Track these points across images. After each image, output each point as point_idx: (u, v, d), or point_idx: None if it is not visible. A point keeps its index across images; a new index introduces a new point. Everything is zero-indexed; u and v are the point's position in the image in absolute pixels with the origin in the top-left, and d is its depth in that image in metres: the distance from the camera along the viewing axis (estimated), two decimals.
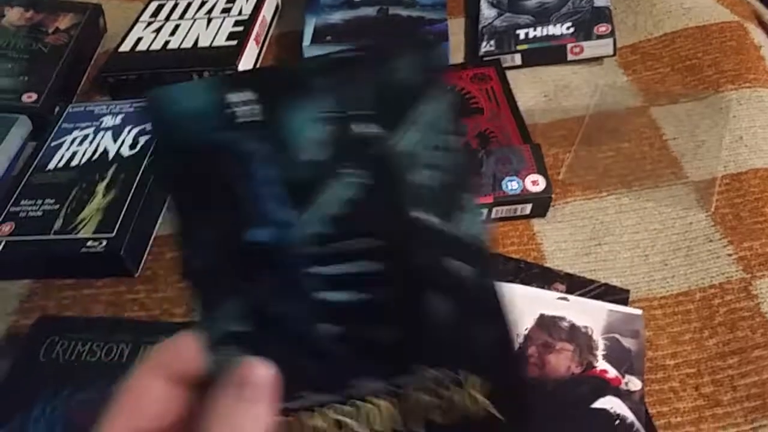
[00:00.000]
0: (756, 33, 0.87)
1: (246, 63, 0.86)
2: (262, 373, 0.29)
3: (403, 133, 0.30)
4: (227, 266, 0.29)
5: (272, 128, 0.29)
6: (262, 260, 0.29)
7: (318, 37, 0.84)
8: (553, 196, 0.68)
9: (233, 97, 0.29)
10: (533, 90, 0.84)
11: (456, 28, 0.95)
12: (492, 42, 0.88)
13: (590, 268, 0.65)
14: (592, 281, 0.63)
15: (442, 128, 0.30)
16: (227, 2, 0.95)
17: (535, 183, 0.68)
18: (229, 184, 0.29)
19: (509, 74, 0.84)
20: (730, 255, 0.64)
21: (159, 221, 0.71)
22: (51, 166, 0.73)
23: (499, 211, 0.68)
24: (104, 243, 0.64)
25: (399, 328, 0.30)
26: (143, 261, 0.68)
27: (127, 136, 0.75)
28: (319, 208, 0.29)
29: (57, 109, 0.82)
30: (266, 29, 0.95)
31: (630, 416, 0.53)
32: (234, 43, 0.86)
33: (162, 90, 0.30)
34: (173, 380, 0.30)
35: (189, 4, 0.95)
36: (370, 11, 0.89)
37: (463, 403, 0.30)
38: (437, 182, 0.30)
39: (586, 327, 0.57)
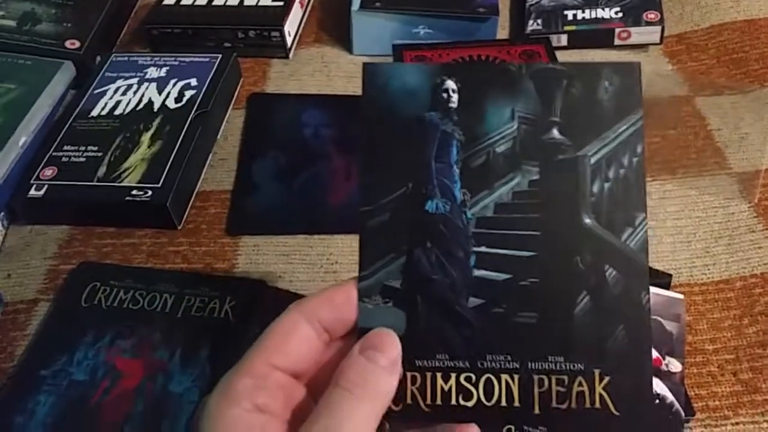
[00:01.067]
0: None
1: (291, 25, 0.85)
2: (391, 343, 0.32)
3: (595, 147, 0.33)
4: (400, 228, 0.33)
5: (472, 116, 0.33)
6: (431, 229, 0.33)
7: (367, 3, 0.83)
8: None
9: (447, 84, 0.34)
10: None
11: (502, 4, 0.94)
12: (539, 21, 0.87)
13: None
14: None
15: (630, 150, 0.34)
16: None
17: None
18: (421, 158, 0.34)
19: (556, 54, 0.84)
20: None
21: (202, 176, 0.71)
22: (94, 113, 0.72)
23: None
24: (150, 193, 0.64)
25: (542, 316, 0.32)
26: (186, 214, 0.67)
27: (172, 88, 0.75)
28: (492, 193, 0.33)
29: (98, 58, 0.81)
30: None
31: (669, 396, 0.53)
32: (280, 3, 0.86)
33: (381, 65, 0.35)
34: (320, 328, 0.33)
35: None
36: None
37: (586, 397, 0.32)
38: (614, 197, 0.34)
39: None
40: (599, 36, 0.86)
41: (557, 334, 0.33)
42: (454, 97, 0.34)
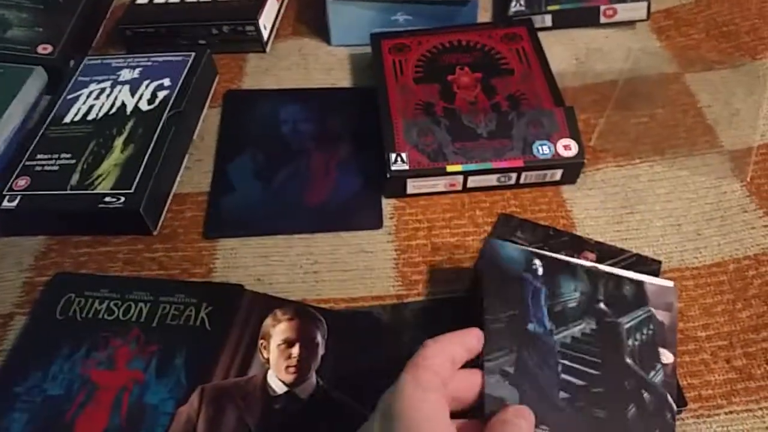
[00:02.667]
0: None
1: (267, 18, 0.83)
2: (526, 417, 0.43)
3: (627, 318, 0.52)
4: (512, 335, 0.48)
5: (550, 282, 0.52)
6: (532, 342, 0.49)
7: None
8: (585, 161, 0.65)
9: (535, 261, 0.53)
10: (564, 53, 0.81)
11: None
12: (522, 1, 0.85)
13: (621, 236, 0.63)
14: (623, 251, 0.61)
15: (645, 325, 0.52)
16: None
17: (567, 147, 0.65)
18: (523, 298, 0.51)
19: (539, 36, 0.81)
20: (765, 226, 0.62)
21: (178, 179, 0.70)
22: (67, 119, 0.71)
23: (528, 177, 0.66)
24: (123, 199, 0.62)
25: (608, 413, 0.47)
26: (162, 218, 0.66)
27: (145, 90, 0.73)
28: (568, 330, 0.50)
29: (72, 61, 0.79)
30: None
31: (661, 389, 0.52)
32: None
33: (499, 243, 0.53)
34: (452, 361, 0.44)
35: None
36: None
37: None
38: (642, 350, 0.51)
39: None
40: (584, 15, 0.83)
41: (617, 427, 0.46)
42: (540, 269, 0.53)
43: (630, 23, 0.84)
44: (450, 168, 0.65)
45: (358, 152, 0.71)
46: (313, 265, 0.62)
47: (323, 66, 0.82)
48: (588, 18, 0.83)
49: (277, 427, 0.50)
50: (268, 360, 0.53)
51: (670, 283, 0.58)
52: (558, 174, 0.66)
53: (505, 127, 0.67)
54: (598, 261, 0.60)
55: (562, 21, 0.84)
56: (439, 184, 0.66)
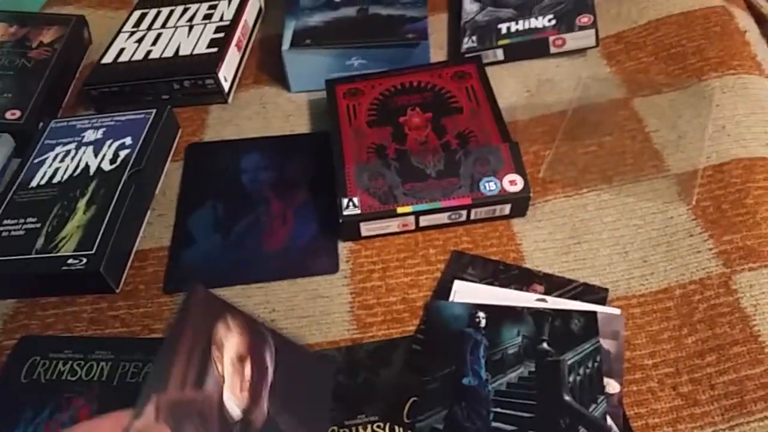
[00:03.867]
0: (742, 17, 0.86)
1: (227, 70, 0.86)
2: None
3: (570, 355, 0.56)
4: (445, 392, 0.54)
5: (492, 332, 0.57)
6: (465, 395, 0.54)
7: (297, 41, 0.84)
8: (532, 195, 0.67)
9: (479, 314, 0.59)
10: (516, 85, 0.83)
11: (439, 24, 0.95)
12: (474, 38, 0.87)
13: (569, 267, 0.64)
14: (570, 281, 0.63)
15: (592, 359, 0.56)
16: (209, 8, 0.95)
17: (513, 183, 0.67)
18: (460, 352, 0.56)
19: (492, 70, 0.84)
20: (710, 249, 0.63)
21: (140, 235, 0.72)
22: (34, 183, 0.73)
23: (478, 213, 0.68)
24: (84, 260, 0.64)
25: None
26: (124, 276, 0.68)
27: (107, 150, 0.75)
28: (505, 377, 0.55)
29: (41, 123, 0.82)
30: (249, 33, 0.95)
31: (608, 420, 0.53)
32: (215, 50, 0.86)
33: (442, 304, 0.60)
34: None
35: (171, 12, 0.95)
36: (350, 11, 0.88)
37: None
38: (583, 385, 0.54)
39: None
40: (534, 46, 0.85)
41: None
42: (483, 321, 0.58)
43: (581, 51, 0.86)
44: (400, 209, 0.67)
45: (315, 197, 0.73)
46: (271, 314, 0.64)
47: (283, 113, 0.84)
48: (538, 49, 0.85)
49: None
50: (222, 376, 0.48)
51: (617, 311, 0.60)
52: (507, 208, 0.68)
53: (453, 166, 0.69)
54: (546, 293, 0.62)
55: (514, 54, 0.86)
56: (392, 225, 0.68)
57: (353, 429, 0.55)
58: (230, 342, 0.49)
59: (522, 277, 0.64)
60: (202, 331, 0.47)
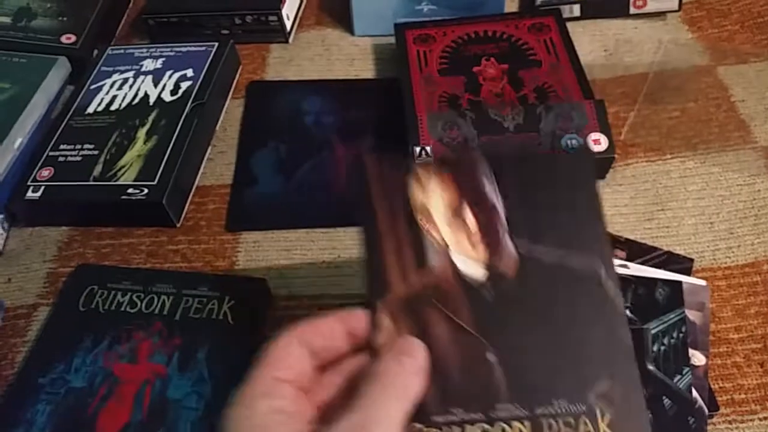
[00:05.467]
0: None
1: (290, 7, 0.82)
2: (419, 349, 0.35)
3: (654, 324, 0.52)
4: None
5: None
6: None
7: None
8: (615, 156, 0.64)
9: None
10: (592, 44, 0.80)
11: None
12: None
13: (652, 234, 0.61)
14: (654, 248, 0.60)
15: (677, 329, 0.52)
16: None
17: (597, 142, 0.64)
18: None
19: (568, 26, 0.80)
20: None
21: (201, 171, 0.69)
22: (90, 109, 0.70)
23: None
24: (145, 191, 0.62)
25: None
26: (185, 211, 0.65)
27: (168, 80, 0.72)
28: None
29: (95, 51, 0.79)
30: None
31: (693, 392, 0.51)
32: None
33: None
34: (311, 352, 0.36)
35: None
36: None
37: None
38: (671, 350, 0.51)
39: None
40: (613, 5, 0.81)
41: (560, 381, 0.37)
42: None
43: (660, 14, 0.82)
44: None
45: (383, 145, 0.70)
46: (336, 260, 0.61)
47: (346, 57, 0.81)
48: (617, 8, 0.81)
49: (499, 324, 0.37)
50: (443, 241, 0.39)
51: (702, 282, 0.57)
52: None
53: (533, 120, 0.66)
54: (628, 259, 0.59)
55: (591, 11, 0.82)
56: None
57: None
58: (431, 197, 0.40)
59: None
60: (396, 205, 0.39)
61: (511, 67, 0.72)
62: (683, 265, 0.59)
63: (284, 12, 0.80)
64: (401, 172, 0.40)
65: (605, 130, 0.64)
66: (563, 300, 0.38)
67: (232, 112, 0.75)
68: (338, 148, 0.70)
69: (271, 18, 0.80)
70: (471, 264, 0.38)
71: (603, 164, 0.64)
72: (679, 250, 0.60)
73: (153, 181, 0.63)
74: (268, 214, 0.65)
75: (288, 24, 0.82)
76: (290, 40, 0.83)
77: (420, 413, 0.34)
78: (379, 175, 0.40)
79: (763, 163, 0.65)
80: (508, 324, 0.37)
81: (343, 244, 0.62)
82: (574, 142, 0.64)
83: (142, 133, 0.67)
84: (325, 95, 0.75)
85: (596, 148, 0.63)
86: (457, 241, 0.39)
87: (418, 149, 0.64)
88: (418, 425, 0.34)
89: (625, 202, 0.64)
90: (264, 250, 0.62)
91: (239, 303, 0.56)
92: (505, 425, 0.35)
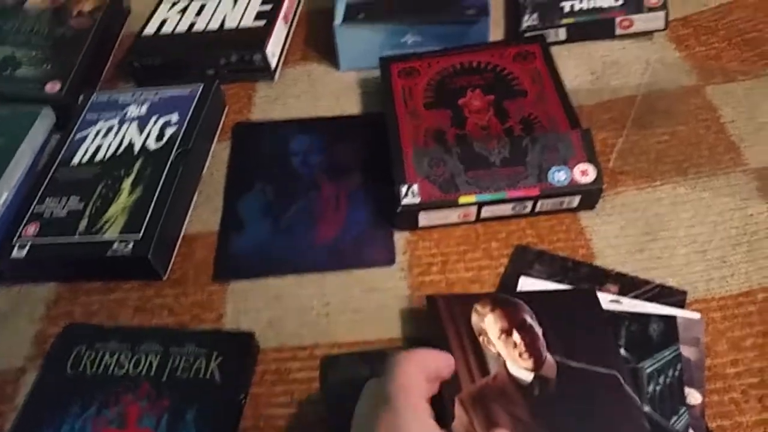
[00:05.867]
0: None
1: (274, 45, 0.82)
2: None
3: (649, 363, 0.53)
4: None
5: None
6: None
7: (350, 15, 0.80)
8: (603, 186, 0.63)
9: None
10: (579, 68, 0.79)
11: (494, 1, 0.90)
12: (535, 15, 0.82)
13: (644, 266, 0.60)
14: (646, 281, 0.59)
15: (672, 367, 0.53)
16: None
17: (585, 173, 0.63)
18: None
19: (553, 51, 0.79)
20: None
21: (187, 219, 0.69)
22: (75, 160, 0.70)
23: (544, 205, 0.64)
24: (130, 246, 0.61)
25: None
26: (171, 262, 0.65)
27: (153, 127, 0.72)
28: None
29: (81, 96, 0.79)
30: (296, 5, 0.91)
31: None
32: (262, 23, 0.82)
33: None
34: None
35: None
36: None
37: None
38: (663, 395, 0.51)
39: None
40: (599, 27, 0.80)
41: None
42: None
43: (647, 34, 0.81)
44: (463, 199, 0.63)
45: (369, 183, 0.69)
46: (325, 307, 0.61)
47: (332, 92, 0.80)
48: (603, 30, 0.81)
49: (546, 413, 0.47)
50: (499, 354, 0.50)
51: (697, 316, 0.56)
52: (576, 200, 0.64)
53: (519, 153, 0.65)
54: (621, 293, 0.58)
55: (577, 34, 0.81)
56: (452, 215, 0.64)
57: None
58: (488, 324, 0.52)
59: (593, 276, 0.60)
60: (462, 331, 0.52)
61: (496, 98, 0.71)
62: (677, 298, 0.58)
63: (269, 50, 0.80)
64: (466, 307, 0.53)
65: (592, 159, 0.64)
66: (593, 396, 0.48)
67: (218, 155, 0.75)
68: (325, 188, 0.69)
69: (255, 57, 0.80)
70: (522, 371, 0.49)
71: (591, 195, 0.64)
72: (671, 282, 0.59)
73: (138, 234, 0.62)
74: (255, 261, 0.64)
75: (273, 62, 0.82)
76: (276, 77, 0.83)
77: None
78: (447, 309, 0.53)
79: (754, 186, 0.64)
80: (555, 415, 0.47)
81: (332, 289, 0.62)
82: (561, 174, 0.63)
83: (127, 184, 0.67)
84: (311, 133, 0.75)
85: (584, 180, 0.63)
86: (509, 354, 0.50)
87: (404, 188, 0.63)
88: None
89: (616, 233, 0.63)
90: (252, 300, 0.62)
91: (227, 359, 0.55)
92: None
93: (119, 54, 0.90)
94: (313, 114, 0.78)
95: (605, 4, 0.80)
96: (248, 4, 0.86)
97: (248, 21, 0.83)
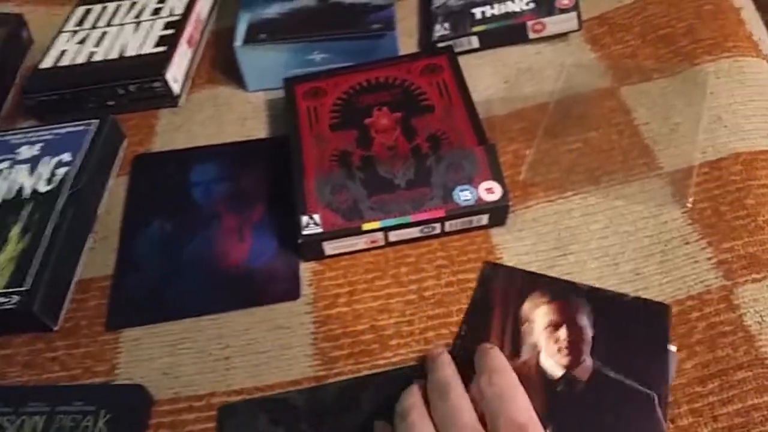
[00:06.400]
0: None
1: (177, 70, 0.79)
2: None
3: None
4: None
5: None
6: None
7: (251, 35, 0.77)
8: (512, 200, 0.61)
9: None
10: (493, 76, 0.76)
11: (408, 9, 0.87)
12: (446, 24, 0.80)
13: None
14: None
15: None
16: (158, 1, 0.87)
17: (490, 191, 0.61)
18: None
19: (467, 59, 0.77)
20: (709, 259, 0.57)
21: (81, 264, 0.65)
22: None
23: (453, 225, 0.61)
24: (16, 299, 0.58)
25: None
26: (64, 311, 0.61)
27: (44, 168, 0.68)
28: None
29: None
30: (202, 27, 0.88)
31: None
32: (163, 49, 0.79)
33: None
34: None
35: (118, 8, 0.87)
36: (309, 1, 0.81)
37: None
38: None
39: None
40: (511, 32, 0.78)
41: None
42: None
43: (563, 35, 0.79)
44: (366, 226, 0.60)
45: (274, 212, 0.66)
46: (224, 350, 0.57)
47: (238, 116, 0.77)
48: (516, 36, 0.78)
49: (561, 410, 0.49)
50: (536, 344, 0.53)
51: None
52: (485, 219, 0.61)
53: (424, 173, 0.62)
54: None
55: (489, 41, 0.79)
56: (358, 242, 0.62)
57: None
58: (539, 314, 0.54)
59: None
60: (509, 312, 0.54)
61: (404, 116, 0.68)
62: None
63: (169, 76, 0.77)
64: (522, 292, 0.56)
65: (497, 177, 0.61)
66: (620, 410, 0.49)
67: (115, 191, 0.71)
68: (227, 220, 0.66)
69: (155, 84, 0.76)
70: (553, 365, 0.51)
71: (499, 213, 0.61)
72: None
73: (25, 286, 0.59)
74: (151, 305, 0.61)
75: (176, 87, 0.78)
76: (180, 102, 0.79)
77: None
78: (504, 285, 0.56)
79: (669, 191, 0.62)
80: (570, 415, 0.48)
81: (232, 330, 0.59)
82: (467, 194, 0.61)
83: (15, 232, 0.63)
84: (214, 161, 0.71)
85: (489, 198, 0.60)
86: (548, 347, 0.52)
87: (305, 218, 0.61)
88: None
89: (526, 250, 0.60)
90: (147, 348, 0.58)
91: (116, 416, 0.52)
92: None
93: (19, 89, 0.86)
94: (219, 140, 0.74)
95: (516, 9, 0.78)
96: (150, 30, 0.82)
97: (149, 47, 0.79)
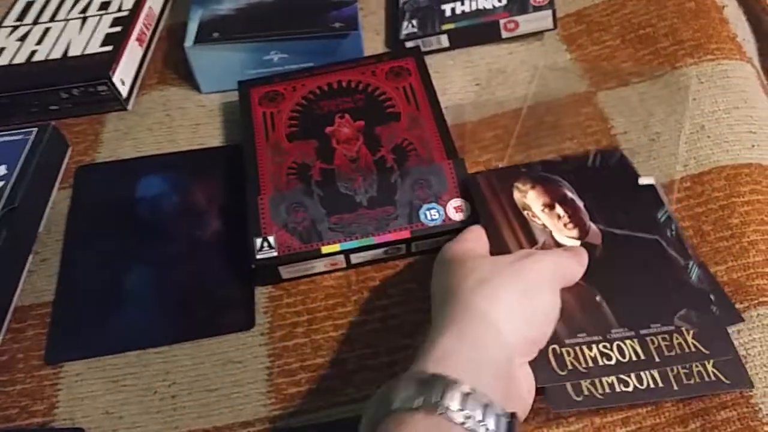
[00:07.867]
0: None
1: (125, 71, 0.73)
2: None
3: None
4: None
5: None
6: None
7: (203, 34, 0.71)
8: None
9: None
10: (464, 79, 0.72)
11: (375, 4, 0.82)
12: (414, 21, 0.75)
13: None
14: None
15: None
16: None
17: (459, 209, 0.57)
18: None
19: (436, 59, 0.73)
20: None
21: (19, 289, 0.60)
22: None
23: (419, 245, 0.57)
24: None
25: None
26: None
27: None
28: None
29: None
30: (154, 23, 0.82)
31: None
32: (109, 48, 0.73)
33: None
34: None
35: (62, 2, 0.81)
36: None
37: (683, 345, 0.47)
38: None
39: None
40: (483, 31, 0.73)
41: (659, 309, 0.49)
42: None
43: (537, 34, 0.74)
44: (325, 248, 0.56)
45: (227, 230, 0.62)
46: (170, 387, 0.53)
47: (190, 121, 0.72)
48: (488, 34, 0.74)
49: (596, 275, 0.51)
50: (545, 225, 0.54)
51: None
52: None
53: (388, 191, 0.58)
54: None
55: (460, 40, 0.74)
56: (318, 265, 0.57)
57: None
58: (530, 200, 0.56)
59: None
60: (506, 205, 0.55)
61: (367, 124, 0.64)
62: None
63: (116, 78, 0.71)
64: (506, 184, 0.57)
65: (466, 194, 0.57)
66: (639, 259, 0.52)
67: (58, 207, 0.66)
68: (177, 240, 0.61)
69: (100, 88, 0.71)
70: (568, 240, 0.53)
71: None
72: None
73: None
74: (93, 336, 0.56)
75: (124, 90, 0.73)
76: (129, 106, 0.74)
77: (554, 338, 0.46)
78: (489, 186, 0.57)
79: None
80: (604, 276, 0.50)
81: (179, 365, 0.54)
82: (434, 213, 0.56)
83: None
84: (164, 173, 0.66)
85: (458, 217, 0.56)
86: (554, 225, 0.54)
87: (259, 241, 0.56)
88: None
89: None
90: (88, 384, 0.54)
91: None
92: (620, 343, 0.47)
93: None
94: (169, 148, 0.69)
95: (488, 6, 0.73)
96: (96, 27, 0.76)
97: (95, 46, 0.74)
